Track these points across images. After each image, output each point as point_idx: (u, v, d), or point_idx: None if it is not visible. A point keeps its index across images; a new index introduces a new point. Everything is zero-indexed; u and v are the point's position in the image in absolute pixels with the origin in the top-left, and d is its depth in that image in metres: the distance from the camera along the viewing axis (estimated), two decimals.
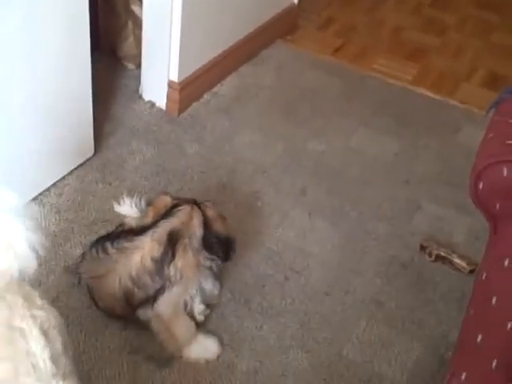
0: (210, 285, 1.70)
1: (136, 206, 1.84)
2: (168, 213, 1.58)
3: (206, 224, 1.60)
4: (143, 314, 1.55)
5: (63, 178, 2.02)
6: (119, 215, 1.90)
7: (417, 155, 2.39)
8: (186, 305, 1.61)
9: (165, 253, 1.52)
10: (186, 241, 1.54)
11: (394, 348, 1.72)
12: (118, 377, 1.55)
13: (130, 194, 1.97)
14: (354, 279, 1.88)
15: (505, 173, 1.17)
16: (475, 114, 2.58)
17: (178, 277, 1.53)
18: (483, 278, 1.27)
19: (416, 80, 2.82)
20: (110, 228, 1.85)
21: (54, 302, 1.67)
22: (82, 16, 1.81)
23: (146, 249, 1.52)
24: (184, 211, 1.58)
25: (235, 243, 1.69)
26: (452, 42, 3.16)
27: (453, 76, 2.89)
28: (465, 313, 1.29)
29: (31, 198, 1.92)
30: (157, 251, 1.52)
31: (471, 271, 1.92)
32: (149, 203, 1.69)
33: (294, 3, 2.96)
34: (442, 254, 1.97)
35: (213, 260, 1.62)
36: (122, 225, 1.69)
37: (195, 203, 1.62)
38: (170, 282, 1.52)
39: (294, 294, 1.82)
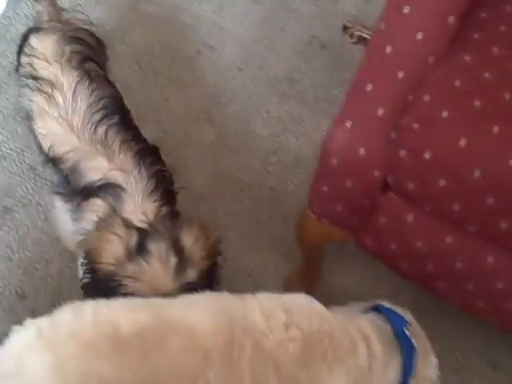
0: None
1: None
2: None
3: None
4: None
5: None
6: None
7: None
8: None
9: None
10: None
11: (304, 124, 1.70)
12: None
13: None
14: (269, 57, 1.81)
15: None
16: None
17: None
18: (383, 48, 1.18)
19: None
20: None
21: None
22: None
23: None
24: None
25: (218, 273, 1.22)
26: None
27: None
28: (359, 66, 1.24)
29: None
30: None
31: None
32: None
33: None
34: (365, 35, 1.89)
35: None
36: None
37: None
38: None
39: (206, 68, 1.75)
